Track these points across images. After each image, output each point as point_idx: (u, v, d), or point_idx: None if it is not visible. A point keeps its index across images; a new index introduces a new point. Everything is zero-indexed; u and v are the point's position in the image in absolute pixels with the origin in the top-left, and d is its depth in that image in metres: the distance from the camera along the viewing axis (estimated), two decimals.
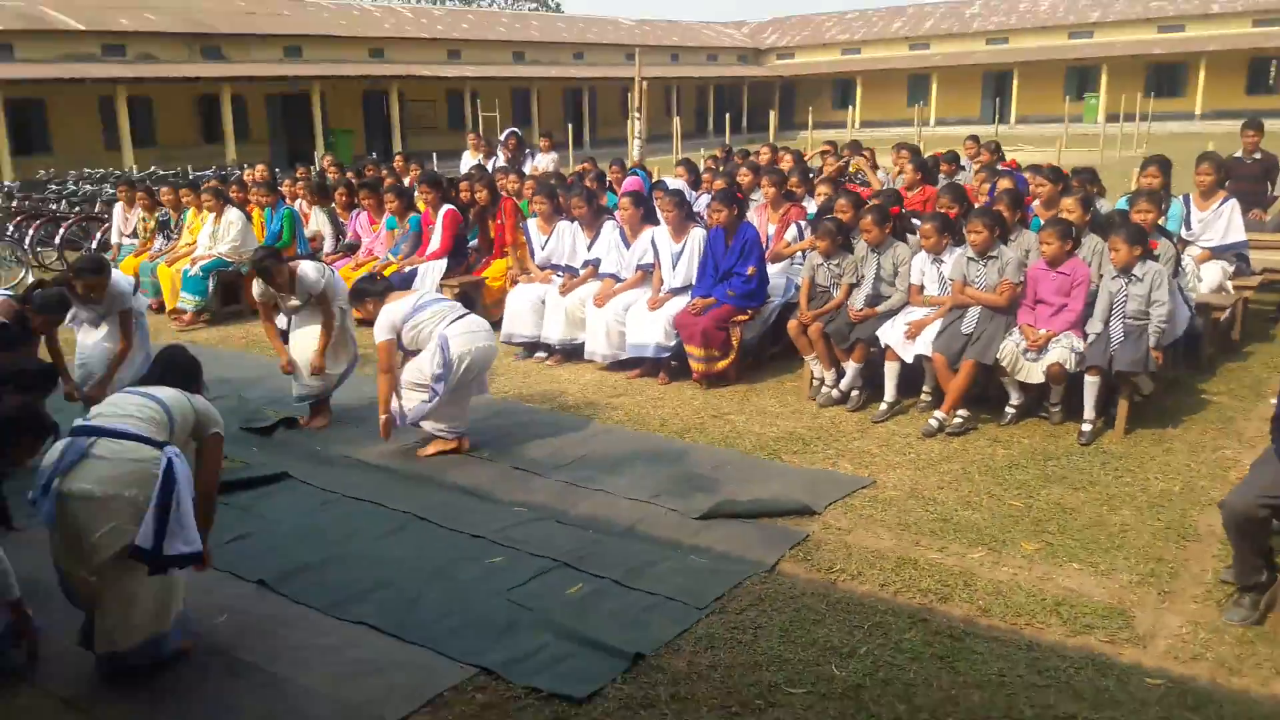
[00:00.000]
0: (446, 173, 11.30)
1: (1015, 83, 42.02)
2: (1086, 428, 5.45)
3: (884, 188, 9.38)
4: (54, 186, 16.60)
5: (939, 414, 5.68)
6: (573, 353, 7.51)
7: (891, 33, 47.30)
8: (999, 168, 8.98)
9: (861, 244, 6.39)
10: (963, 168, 9.70)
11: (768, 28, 53.45)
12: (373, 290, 5.76)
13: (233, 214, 9.60)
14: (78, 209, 14.43)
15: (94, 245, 12.17)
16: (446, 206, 8.82)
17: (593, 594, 3.94)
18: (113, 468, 3.25)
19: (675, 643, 3.57)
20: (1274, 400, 4.60)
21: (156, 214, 10.47)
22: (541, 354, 7.67)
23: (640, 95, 13.50)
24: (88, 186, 16.49)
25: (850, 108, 41.52)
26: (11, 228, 12.74)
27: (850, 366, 6.22)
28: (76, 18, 26.76)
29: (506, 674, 3.39)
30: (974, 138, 11.21)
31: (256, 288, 6.18)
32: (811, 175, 9.02)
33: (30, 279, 11.41)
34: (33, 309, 5.36)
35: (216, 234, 9.59)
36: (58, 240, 12.69)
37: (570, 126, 30.27)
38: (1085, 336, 5.55)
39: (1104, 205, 7.29)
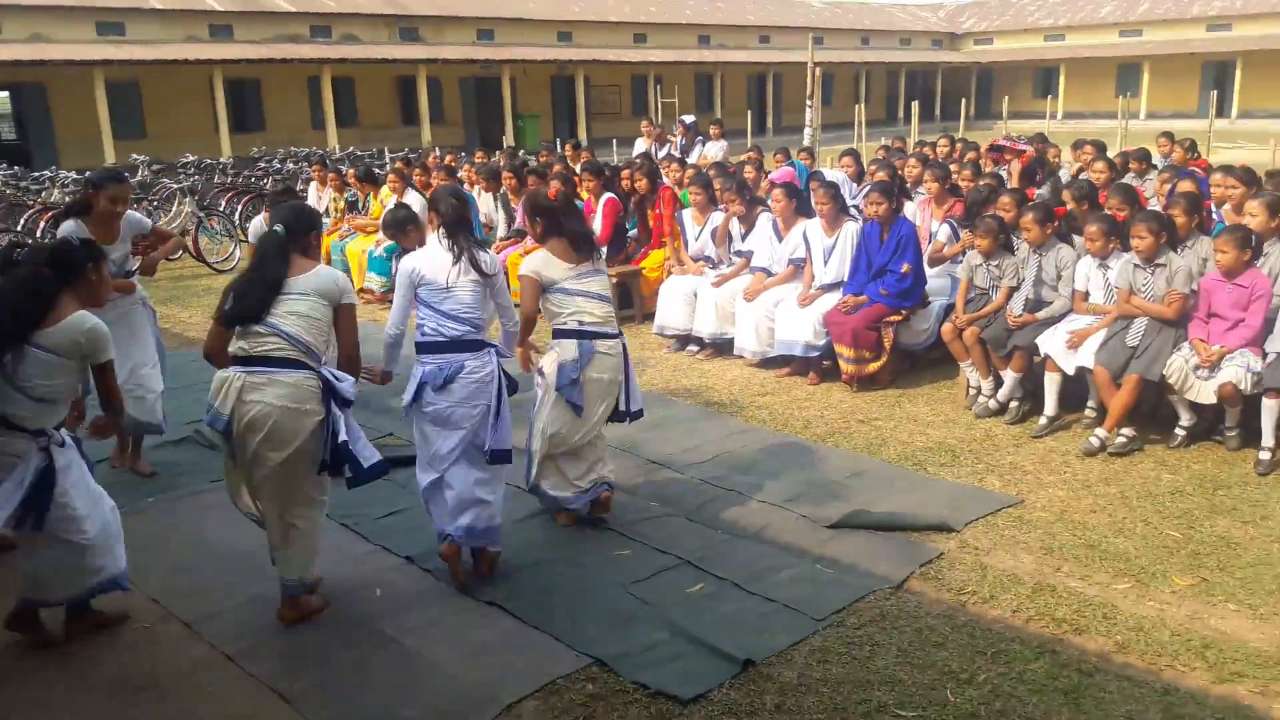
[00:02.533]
0: (624, 159, 11.51)
1: (1238, 73, 38.62)
2: (1264, 456, 5.02)
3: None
4: (263, 164, 17.97)
5: (1101, 432, 5.37)
6: (724, 347, 7.53)
7: (1100, 18, 44.37)
8: (1186, 168, 8.33)
9: (1023, 245, 6.10)
10: (1155, 166, 9.05)
11: (966, 11, 51.26)
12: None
13: (412, 197, 10.12)
14: (282, 184, 15.56)
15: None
16: (607, 195, 8.98)
17: (712, 595, 3.97)
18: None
19: (788, 653, 3.56)
20: None
21: (345, 194, 11.16)
22: (693, 347, 7.73)
23: (814, 83, 13.25)
24: (291, 165, 17.77)
25: (1051, 98, 39.31)
26: (224, 203, 13.86)
27: (1008, 375, 5.96)
28: None
29: (617, 667, 3.47)
30: (1168, 134, 10.43)
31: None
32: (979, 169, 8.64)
33: (239, 254, 12.45)
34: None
35: None
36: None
37: (751, 113, 30.07)
38: (1264, 355, 5.10)
39: None
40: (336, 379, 3.66)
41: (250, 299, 3.62)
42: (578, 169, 10.29)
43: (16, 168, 16.22)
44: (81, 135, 23.60)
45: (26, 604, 3.76)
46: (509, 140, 28.13)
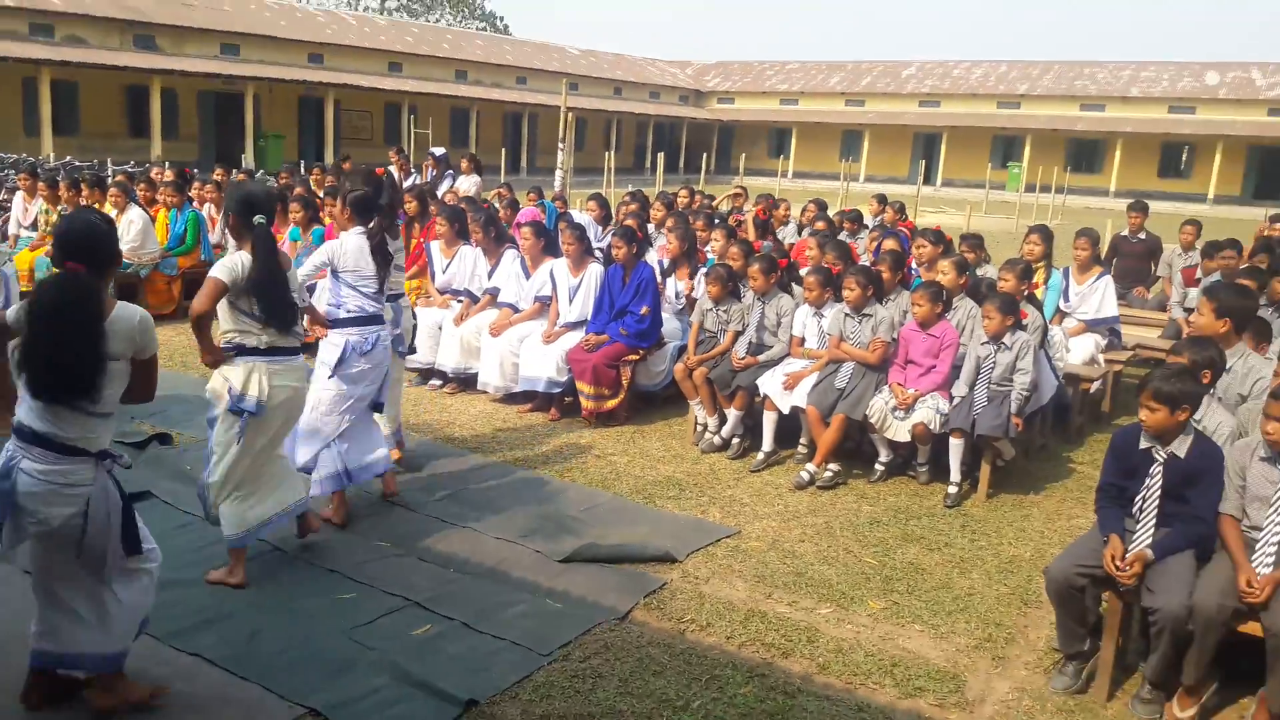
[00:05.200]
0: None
1: (944, 146, 43.38)
2: (951, 490, 5.63)
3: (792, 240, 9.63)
4: None
5: (810, 467, 5.81)
6: (468, 382, 7.49)
7: (829, 87, 48.50)
8: (894, 228, 9.27)
9: (750, 292, 6.53)
10: (866, 225, 9.97)
11: (711, 70, 54.33)
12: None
13: (134, 213, 9.39)
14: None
15: None
16: None
17: (440, 636, 3.91)
18: None
19: (513, 690, 3.56)
20: None
21: (59, 207, 10.17)
22: (436, 381, 7.63)
23: (567, 127, 13.56)
24: None
25: (784, 157, 42.35)
26: None
27: (732, 413, 6.33)
28: None
29: (332, 716, 3.34)
30: (880, 196, 11.55)
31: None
32: (716, 221, 9.17)
33: None
34: None
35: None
36: None
37: (506, 151, 30.30)
38: (951, 399, 5.73)
39: (989, 271, 7.55)
40: None
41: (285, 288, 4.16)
42: (322, 193, 9.95)
43: None
44: None
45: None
46: (249, 160, 26.71)
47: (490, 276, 7.75)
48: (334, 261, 4.92)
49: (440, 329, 7.59)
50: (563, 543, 4.81)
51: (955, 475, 5.65)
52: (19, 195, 10.74)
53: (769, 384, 6.08)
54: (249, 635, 3.84)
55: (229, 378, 4.11)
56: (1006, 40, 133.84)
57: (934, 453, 5.87)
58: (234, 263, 4.07)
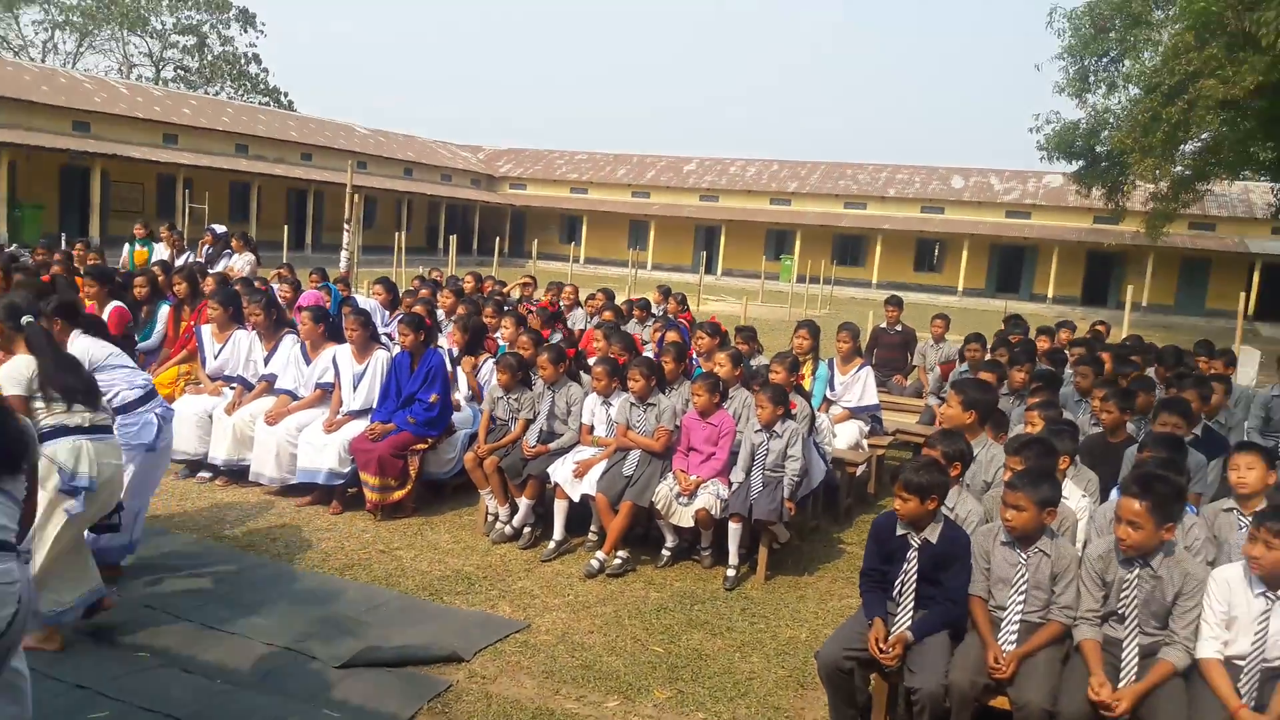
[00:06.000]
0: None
1: (723, 238, 45.77)
2: (731, 573, 5.83)
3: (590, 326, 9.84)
4: None
5: (600, 554, 5.87)
6: (240, 474, 7.10)
7: (616, 178, 50.29)
8: (674, 320, 9.69)
9: (540, 381, 6.60)
10: (654, 315, 10.35)
11: (502, 156, 55.10)
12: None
13: None
14: None
15: None
16: (114, 303, 8.19)
17: None
18: None
19: None
20: None
21: None
22: (205, 474, 7.18)
23: (354, 207, 13.35)
24: None
25: (575, 244, 43.32)
26: None
27: (523, 502, 6.32)
28: None
29: None
30: (663, 288, 12.04)
31: None
32: (506, 307, 9.26)
33: None
34: None
35: None
36: None
37: (289, 228, 29.30)
38: (730, 485, 5.98)
39: (762, 361, 7.99)
40: None
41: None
42: (83, 270, 9.28)
43: None
44: None
45: None
46: (2, 231, 24.50)
47: (267, 362, 7.44)
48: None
49: (211, 418, 7.18)
50: (341, 646, 4.60)
51: (734, 559, 5.87)
52: None
53: (560, 472, 6.13)
54: None
55: (55, 458, 3.98)
56: (780, 139, 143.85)
57: (716, 536, 6.07)
58: (18, 371, 4.02)
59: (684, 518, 5.87)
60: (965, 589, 3.98)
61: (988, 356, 8.68)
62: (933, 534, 4.01)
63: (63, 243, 17.70)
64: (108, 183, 31.02)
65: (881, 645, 3.85)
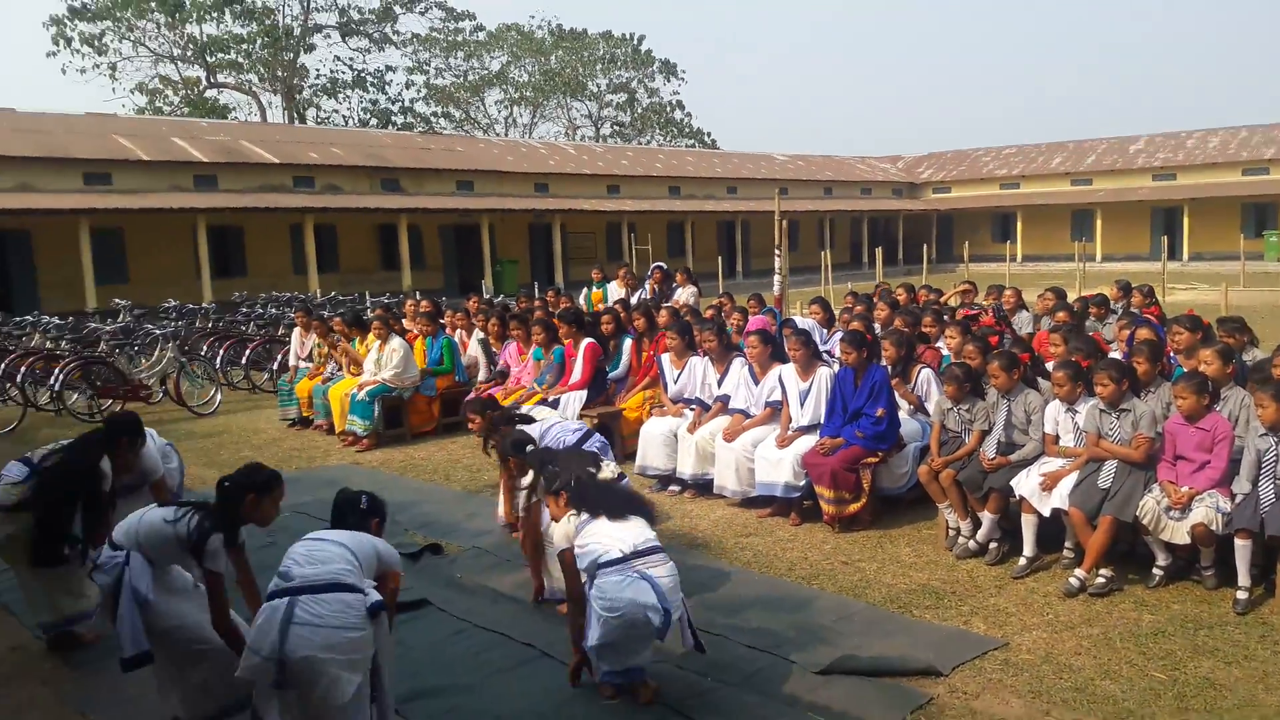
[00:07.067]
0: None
1: (1186, 219, 40.51)
2: (1241, 595, 5.10)
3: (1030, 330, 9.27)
4: (245, 309, 18.20)
5: (1080, 573, 5.44)
6: (705, 488, 7.61)
7: (1051, 168, 46.69)
8: (1141, 315, 8.71)
9: (992, 390, 6.31)
10: (1114, 311, 9.44)
11: (923, 162, 53.73)
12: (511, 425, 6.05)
13: (396, 342, 10.29)
14: (263, 330, 15.77)
15: (275, 366, 13.21)
16: (587, 340, 9.22)
17: None
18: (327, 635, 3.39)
19: None
20: None
21: (330, 339, 11.32)
22: (675, 487, 7.80)
23: (781, 233, 13.79)
24: (273, 310, 18.01)
25: (1010, 241, 40.85)
26: (206, 347, 13.98)
27: (986, 517, 6.06)
28: (272, 151, 29.64)
29: None
30: (1121, 282, 10.92)
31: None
32: (945, 316, 8.97)
33: (219, 398, 12.49)
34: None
35: (381, 360, 10.27)
36: (244, 360, 13.87)
37: (721, 258, 31.00)
38: (1233, 496, 5.25)
39: (1256, 355, 6.94)
40: None
41: None
42: (556, 314, 10.58)
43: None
44: (64, 279, 23.84)
45: None
46: (488, 285, 28.69)
47: (720, 384, 7.92)
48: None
49: (676, 436, 7.80)
50: (818, 653, 4.73)
51: (1244, 580, 5.13)
52: (296, 331, 12.05)
53: (1025, 485, 5.80)
54: None
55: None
56: (1246, 103, 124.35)
57: (1219, 554, 5.36)
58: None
59: (1177, 534, 5.26)
60: None
61: None
62: None
63: (536, 290, 20.34)
64: (565, 234, 35.00)
65: None
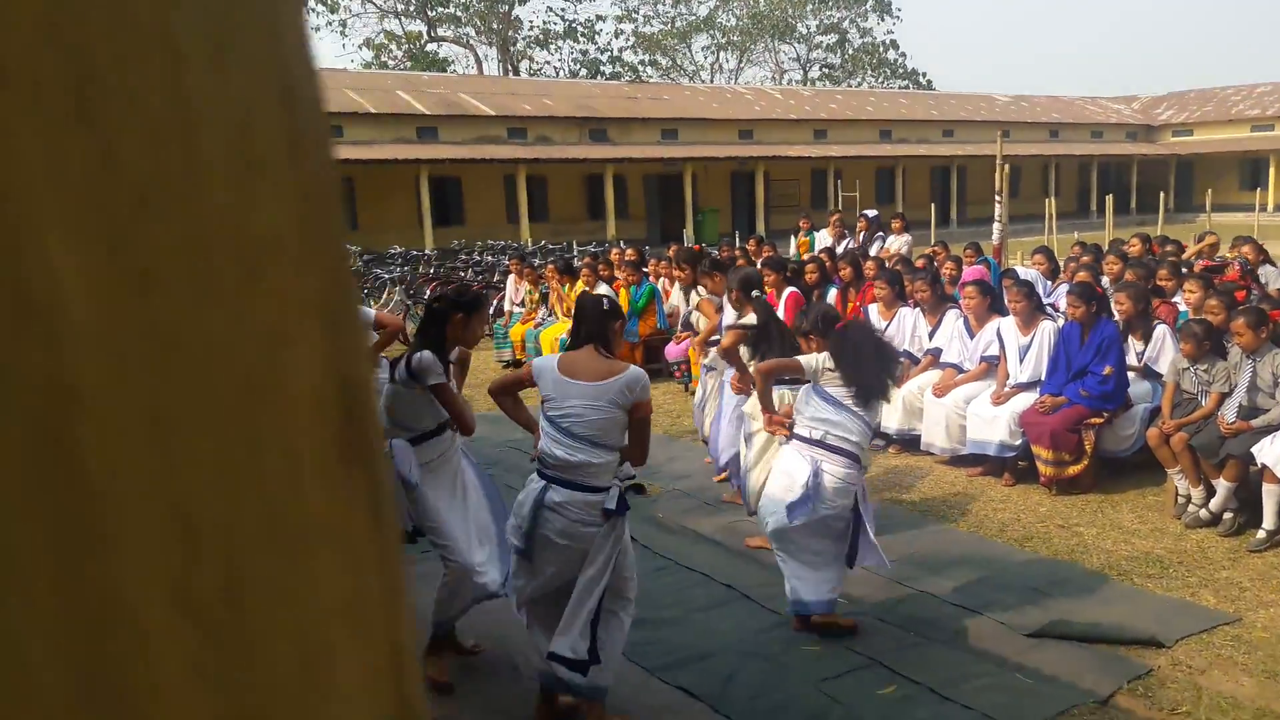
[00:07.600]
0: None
1: None
2: None
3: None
4: (463, 256, 19.19)
5: None
6: (910, 444, 7.45)
7: None
8: None
9: (1235, 349, 5.82)
10: None
11: (1162, 103, 49.29)
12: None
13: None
14: (480, 277, 16.59)
15: (491, 311, 13.90)
16: (789, 289, 9.13)
17: (907, 699, 3.93)
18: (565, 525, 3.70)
19: None
20: None
21: (540, 287, 11.79)
22: (879, 442, 7.67)
23: (1002, 179, 13.07)
24: (489, 257, 18.88)
25: (1260, 189, 37.01)
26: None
27: (1221, 485, 5.64)
28: (488, 104, 30.82)
29: None
30: None
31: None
32: (1184, 269, 8.30)
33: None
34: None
35: None
36: None
37: (934, 205, 29.77)
38: None
39: None
40: None
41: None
42: (759, 263, 10.54)
43: None
44: None
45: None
46: (689, 234, 28.88)
47: (931, 337, 7.69)
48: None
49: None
50: (1028, 616, 4.59)
51: None
52: (510, 278, 12.62)
53: (1269, 453, 5.34)
54: (726, 677, 4.14)
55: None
56: None
57: None
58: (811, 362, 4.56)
59: None
60: None
61: None
62: None
63: (737, 239, 20.28)
64: (768, 182, 34.57)
65: None
